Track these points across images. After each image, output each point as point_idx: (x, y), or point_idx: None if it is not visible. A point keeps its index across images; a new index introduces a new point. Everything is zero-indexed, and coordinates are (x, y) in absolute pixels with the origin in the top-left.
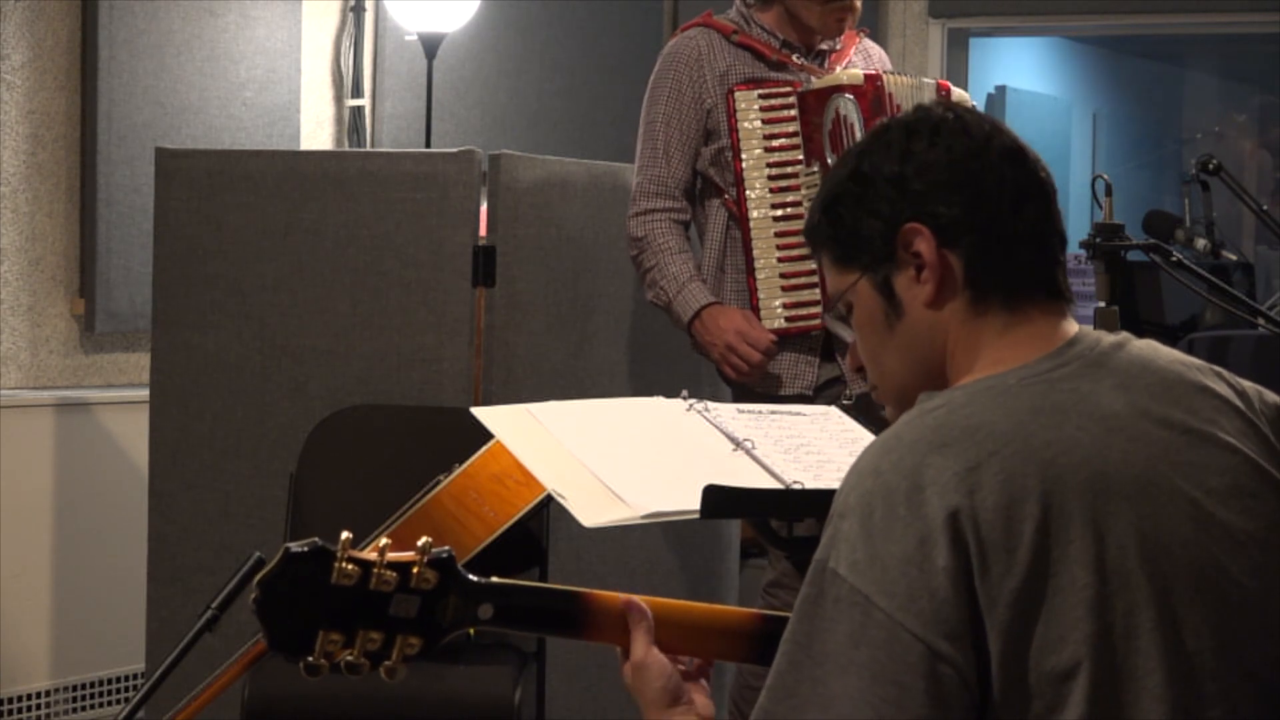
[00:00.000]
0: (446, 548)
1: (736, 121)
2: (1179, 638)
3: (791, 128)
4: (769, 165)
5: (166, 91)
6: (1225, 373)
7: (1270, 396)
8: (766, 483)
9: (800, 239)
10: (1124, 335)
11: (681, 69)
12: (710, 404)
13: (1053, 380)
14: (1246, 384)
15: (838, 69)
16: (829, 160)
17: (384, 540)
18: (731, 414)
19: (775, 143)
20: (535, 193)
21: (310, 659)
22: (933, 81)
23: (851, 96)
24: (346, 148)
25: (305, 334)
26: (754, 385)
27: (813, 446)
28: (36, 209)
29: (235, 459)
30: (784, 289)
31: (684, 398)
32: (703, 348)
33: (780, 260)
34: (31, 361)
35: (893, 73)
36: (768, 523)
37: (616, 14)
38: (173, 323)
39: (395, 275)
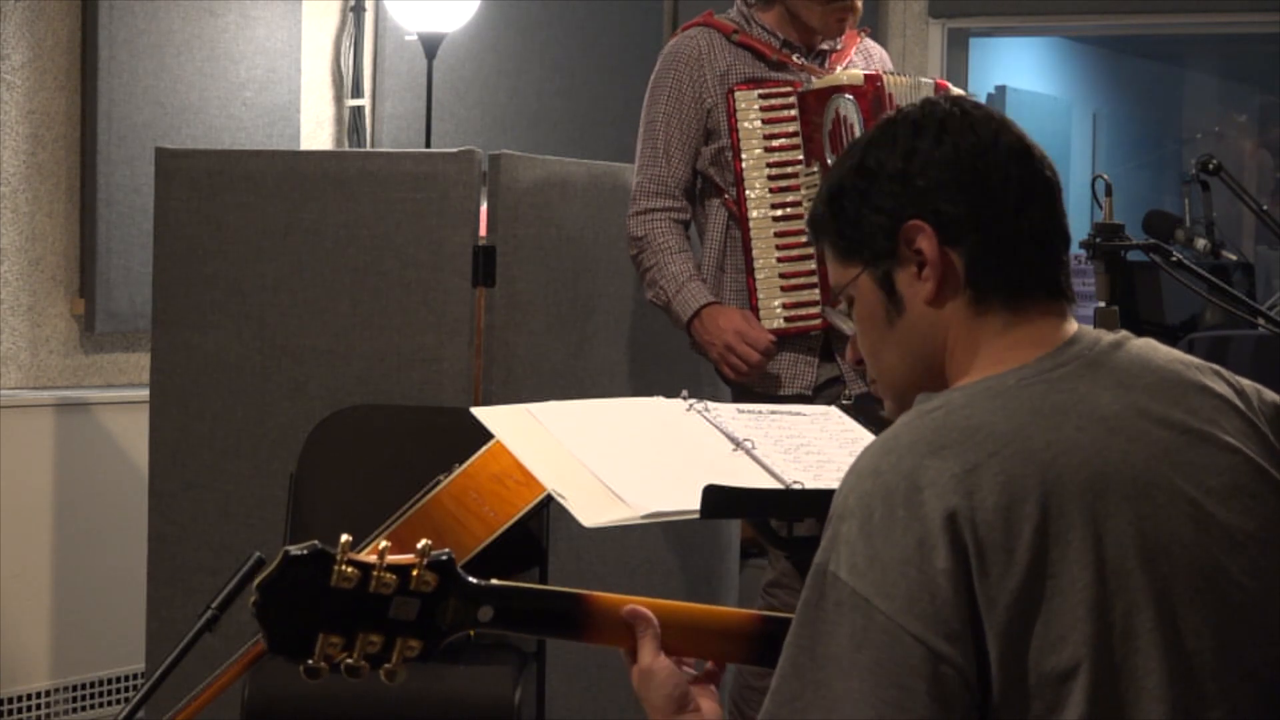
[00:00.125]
0: (446, 550)
1: (736, 121)
2: (1179, 638)
3: (791, 128)
4: (769, 165)
5: (166, 91)
6: (1224, 371)
7: (1269, 395)
8: (766, 483)
9: (800, 239)
10: (1123, 334)
11: (682, 69)
12: (710, 404)
13: (1052, 381)
14: (1246, 383)
15: (838, 69)
16: (829, 160)
17: (383, 543)
18: (731, 414)
19: (775, 143)
20: (535, 193)
21: (310, 662)
22: (931, 81)
23: (851, 97)
24: (346, 148)
25: (305, 334)
26: (753, 385)
27: (813, 446)
28: (36, 209)
29: (235, 459)
30: (783, 289)
31: (684, 398)
32: (701, 347)
33: (780, 260)
34: (31, 361)
35: (892, 73)
36: (768, 523)
37: (616, 14)
38: (173, 323)
39: (395, 275)
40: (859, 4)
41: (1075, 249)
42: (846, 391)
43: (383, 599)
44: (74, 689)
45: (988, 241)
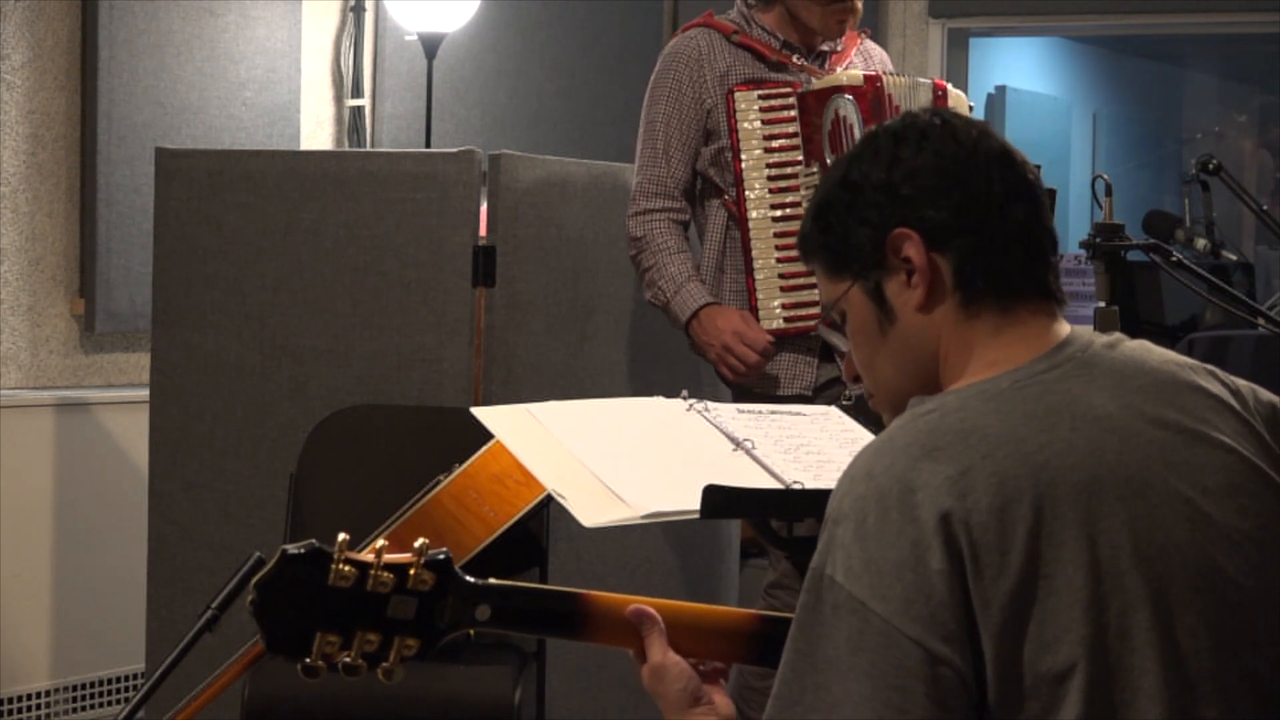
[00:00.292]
0: (444, 549)
1: (736, 122)
2: (1174, 638)
3: (791, 128)
4: (768, 166)
5: (166, 91)
6: (1219, 371)
7: (1265, 395)
8: (766, 483)
9: None
10: (1117, 336)
11: (682, 69)
12: (710, 404)
13: (1045, 382)
14: (1241, 382)
15: (838, 70)
16: (829, 161)
17: (381, 541)
18: (731, 414)
19: (775, 143)
20: (535, 193)
21: (308, 660)
22: (928, 81)
23: (851, 97)
24: (346, 148)
25: (305, 334)
26: (752, 386)
27: (813, 446)
28: (36, 209)
29: (235, 459)
30: (783, 289)
31: (684, 398)
32: (700, 348)
33: (779, 260)
34: (31, 361)
35: (892, 74)
36: (768, 523)
37: (616, 14)
38: (173, 323)
39: (395, 275)
40: (859, 5)
41: (1075, 249)
42: (847, 392)
43: (380, 598)
44: (74, 689)
45: (974, 245)
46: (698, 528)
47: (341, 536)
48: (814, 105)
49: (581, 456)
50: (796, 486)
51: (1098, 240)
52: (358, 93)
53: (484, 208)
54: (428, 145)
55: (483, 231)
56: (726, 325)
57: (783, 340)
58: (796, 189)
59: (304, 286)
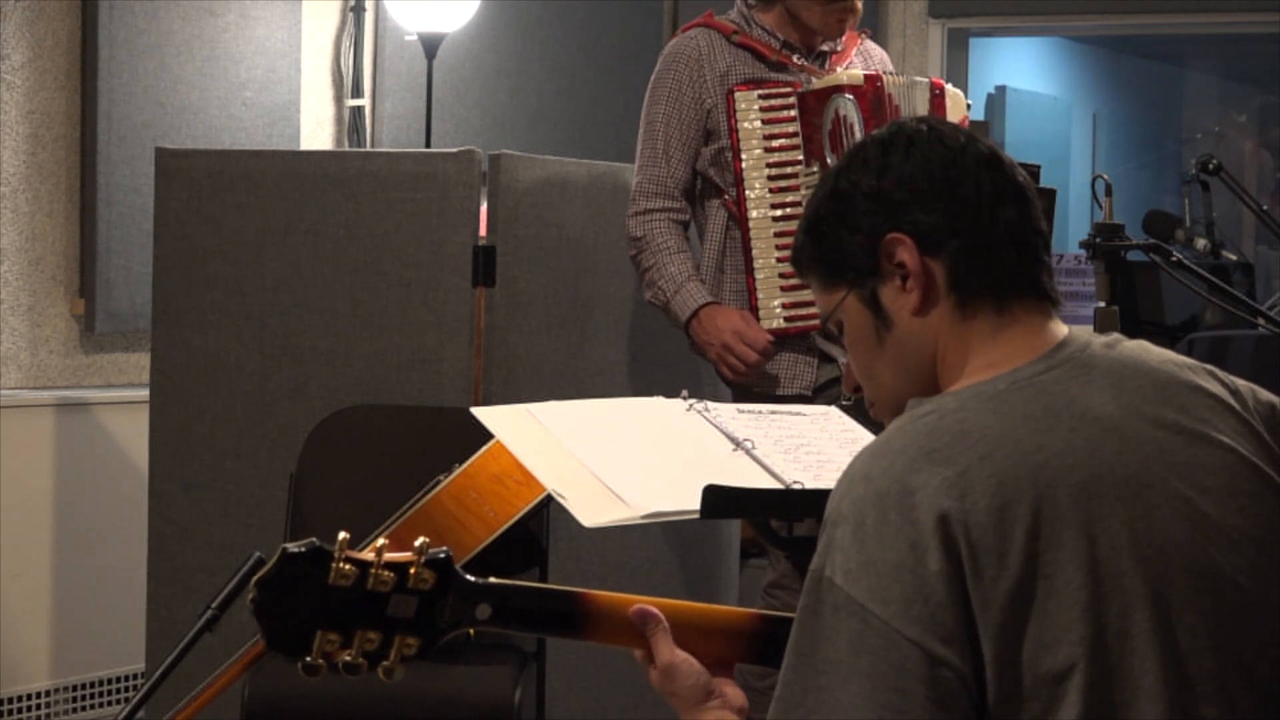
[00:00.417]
0: (444, 548)
1: (736, 122)
2: (1174, 638)
3: (791, 128)
4: (768, 165)
5: (166, 91)
6: (1218, 371)
7: (1264, 395)
8: (766, 483)
9: None
10: (1115, 336)
11: (682, 69)
12: (710, 404)
13: (1044, 383)
14: (1240, 382)
15: (838, 69)
16: (829, 160)
17: (381, 540)
18: (731, 414)
19: (775, 143)
20: (535, 193)
21: (308, 659)
22: (926, 80)
23: (851, 97)
24: (346, 148)
25: (305, 334)
26: (752, 385)
27: (813, 446)
28: (36, 209)
29: (235, 459)
30: (783, 289)
31: (684, 398)
32: (700, 347)
33: (779, 260)
34: (31, 361)
35: (891, 74)
36: (768, 523)
37: (616, 14)
38: (173, 323)
39: (395, 275)
40: (859, 5)
41: (1075, 249)
42: (846, 393)
43: (381, 596)
44: (74, 689)
45: (966, 247)
46: (698, 528)
47: (342, 535)
48: (814, 105)
49: (581, 456)
50: (796, 486)
51: (1098, 240)
52: (358, 93)
53: (484, 208)
54: (428, 145)
55: (483, 231)
56: (726, 324)
57: (782, 340)
58: (797, 189)
59: (304, 286)
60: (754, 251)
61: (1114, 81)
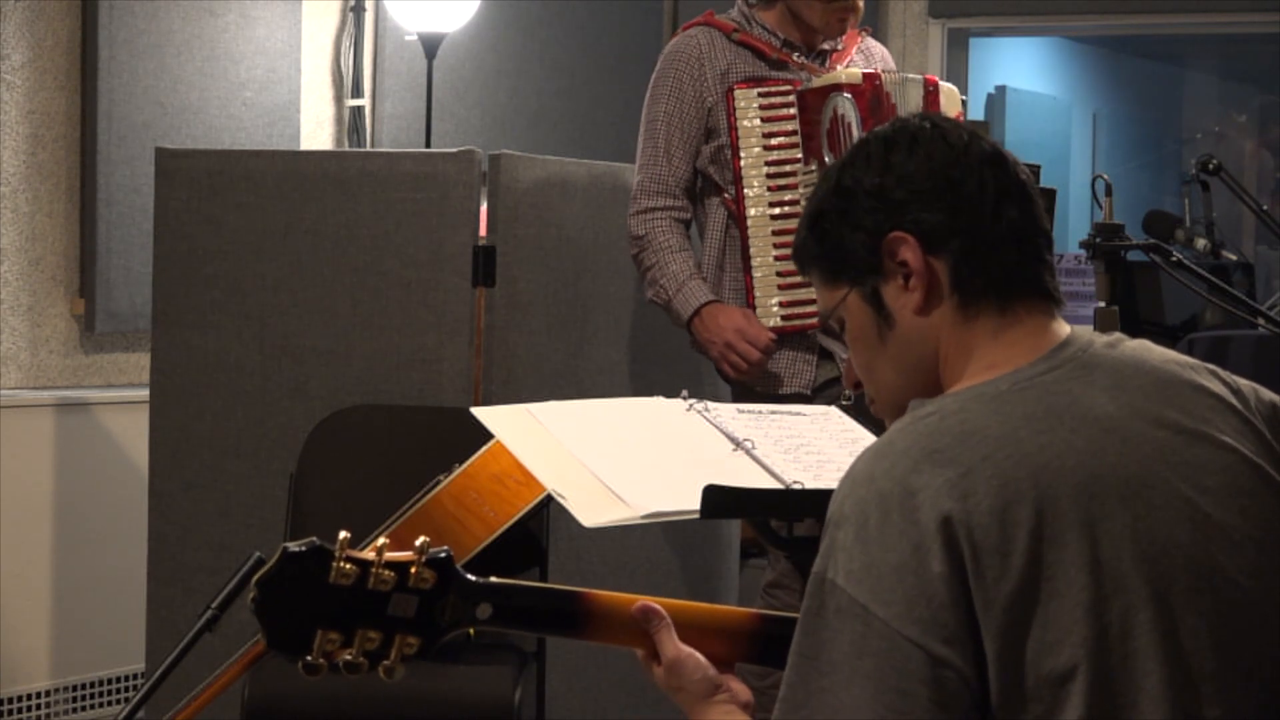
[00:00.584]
0: (445, 547)
1: (736, 120)
2: (1177, 638)
3: (790, 126)
4: (767, 164)
5: (166, 91)
6: (1220, 371)
7: (1266, 395)
8: (766, 483)
9: None
10: (1117, 336)
11: (683, 67)
12: (710, 404)
13: (1045, 384)
14: (1242, 382)
15: (838, 68)
16: (827, 159)
17: (382, 540)
18: (731, 414)
19: (774, 141)
20: (535, 193)
21: (309, 658)
22: (919, 77)
23: (850, 96)
24: (346, 148)
25: (305, 334)
26: (754, 384)
27: (813, 446)
28: (36, 209)
29: (235, 459)
30: (780, 287)
31: (684, 398)
32: (702, 345)
33: (777, 259)
34: (31, 361)
35: (890, 72)
36: (768, 523)
37: (616, 14)
38: (173, 323)
39: (395, 275)
40: (860, 3)
41: (1075, 249)
42: (846, 392)
43: (381, 596)
44: (74, 689)
45: (969, 246)
46: (698, 528)
47: (343, 535)
48: (813, 103)
49: (581, 456)
50: (796, 486)
51: (1098, 240)
52: (358, 93)
53: (484, 208)
54: (428, 145)
55: (483, 231)
56: (728, 323)
57: (781, 339)
58: (795, 187)
59: (304, 286)
60: (752, 250)
61: (1114, 81)
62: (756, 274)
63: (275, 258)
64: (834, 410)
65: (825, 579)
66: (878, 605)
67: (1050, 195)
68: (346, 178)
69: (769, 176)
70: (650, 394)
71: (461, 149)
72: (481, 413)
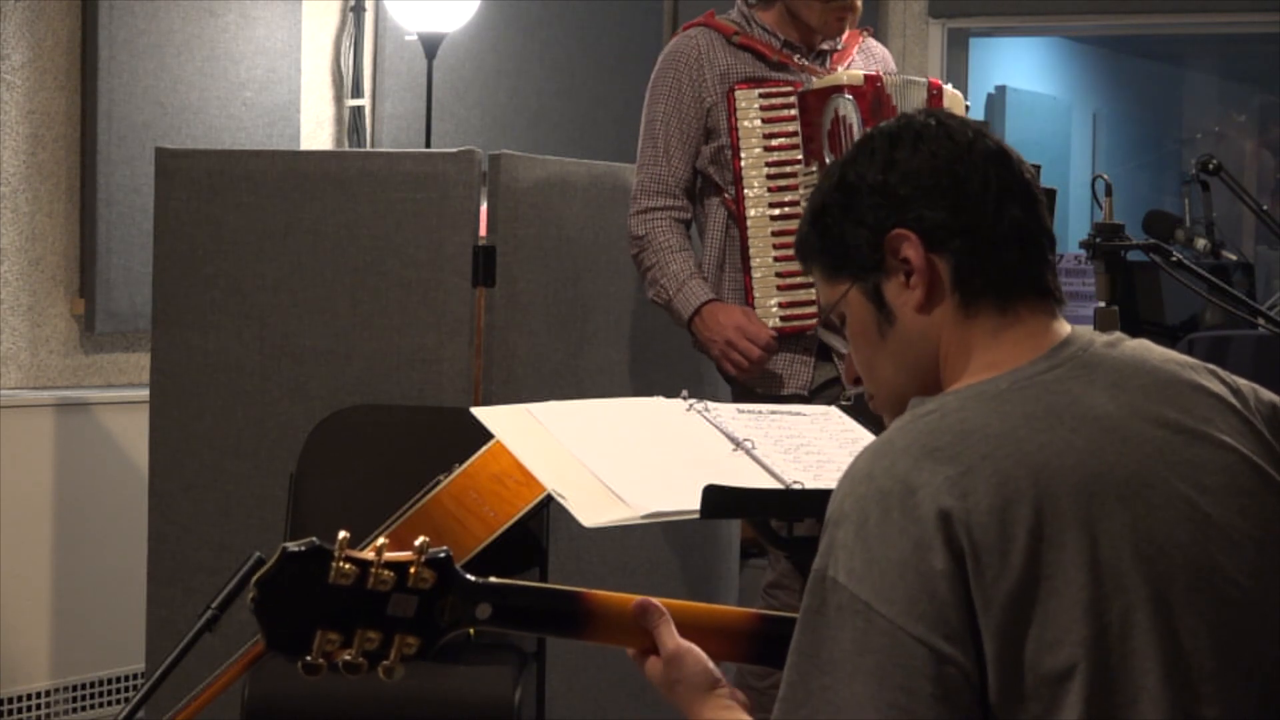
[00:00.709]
0: (444, 547)
1: (736, 120)
2: (1176, 638)
3: (791, 127)
4: (768, 164)
5: (166, 91)
6: (1220, 371)
7: (1266, 395)
8: (766, 483)
9: None
10: (1117, 335)
11: (682, 68)
12: (710, 404)
13: (1045, 383)
14: (1242, 382)
15: (839, 69)
16: (828, 160)
17: (381, 540)
18: (731, 414)
19: (774, 142)
20: (535, 193)
21: (308, 658)
22: (923, 80)
23: (851, 97)
24: (346, 148)
25: (305, 334)
26: (754, 385)
27: (813, 446)
28: (36, 209)
29: (235, 459)
30: (779, 288)
31: (684, 398)
32: (703, 344)
33: (776, 259)
34: (31, 361)
35: (891, 73)
36: (768, 523)
37: (616, 14)
38: (173, 323)
39: (395, 275)
40: (859, 3)
41: (1075, 249)
42: (846, 392)
43: (381, 596)
44: (74, 689)
45: (971, 244)
46: (698, 528)
47: (342, 534)
48: (814, 105)
49: (581, 456)
50: (796, 486)
51: (1098, 240)
52: (358, 93)
53: (484, 208)
54: (428, 145)
55: (483, 231)
56: (729, 321)
57: (780, 340)
58: (795, 188)
59: (304, 286)
60: (751, 250)
61: (1114, 81)
62: (756, 274)
63: (275, 258)
64: (834, 410)
65: (826, 577)
66: (880, 602)
67: (1050, 195)
68: (346, 178)
69: (769, 177)
70: (650, 394)
71: (461, 149)
72: (481, 413)
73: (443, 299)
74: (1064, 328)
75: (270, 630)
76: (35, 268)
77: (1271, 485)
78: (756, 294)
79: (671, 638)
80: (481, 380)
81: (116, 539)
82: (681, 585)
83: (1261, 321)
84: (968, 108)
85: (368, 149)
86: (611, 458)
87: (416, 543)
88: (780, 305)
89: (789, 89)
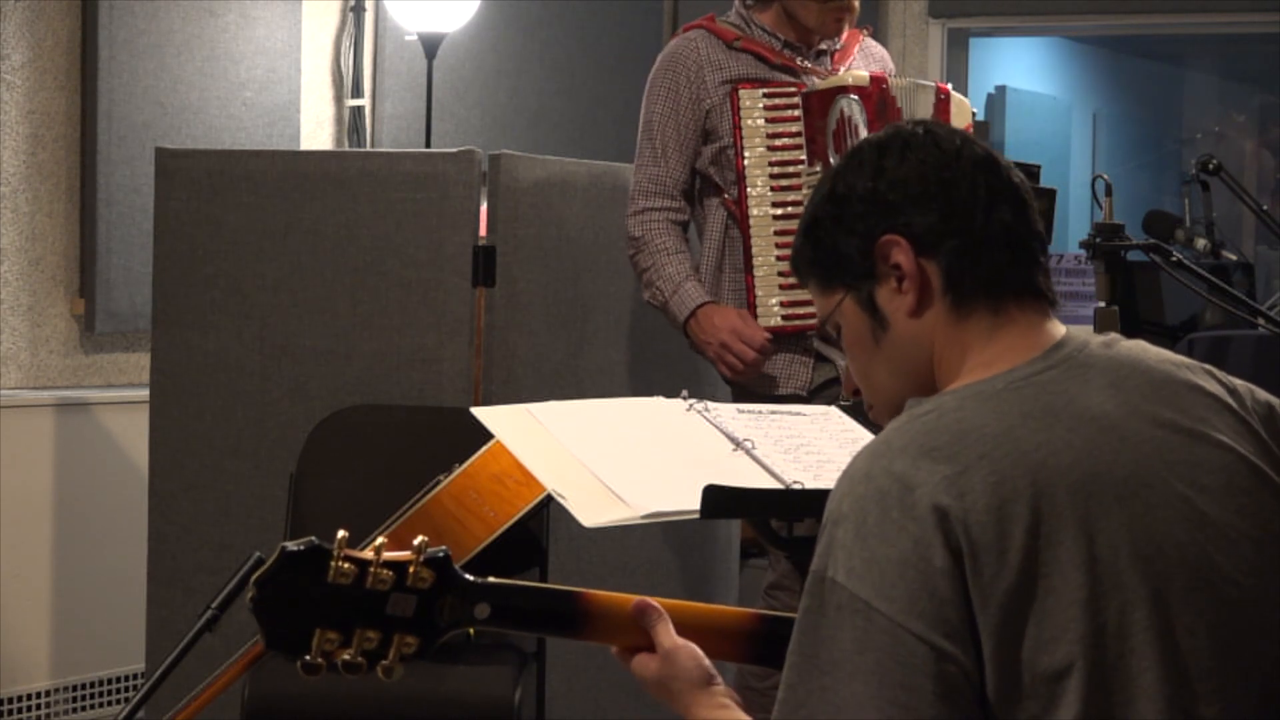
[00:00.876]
0: (443, 547)
1: (740, 119)
2: (1173, 636)
3: (795, 127)
4: (771, 164)
5: (166, 91)
6: (1216, 371)
7: (1262, 394)
8: (766, 483)
9: None
10: (1112, 335)
11: (680, 70)
12: (710, 404)
13: (1042, 383)
14: (1238, 382)
15: (841, 69)
16: (832, 161)
17: (380, 539)
18: (731, 414)
19: (778, 141)
20: (535, 193)
21: (307, 658)
22: (931, 84)
23: (856, 97)
24: (346, 148)
25: (305, 334)
26: (751, 385)
27: (813, 446)
28: (36, 209)
29: (235, 459)
30: (781, 287)
31: (684, 398)
32: (698, 346)
33: (779, 259)
34: (31, 361)
35: (895, 77)
36: (768, 523)
37: (616, 14)
38: (173, 323)
39: (395, 275)
40: (856, 3)
41: (1075, 249)
42: (846, 395)
43: (380, 595)
44: (74, 689)
45: (961, 247)
46: (698, 528)
47: (341, 534)
48: (818, 106)
49: (581, 456)
50: (796, 486)
51: (1098, 240)
52: (358, 93)
53: (484, 208)
54: (428, 145)
55: (483, 231)
56: (724, 323)
57: (779, 340)
58: (798, 188)
59: (304, 286)
60: (754, 249)
61: (1114, 81)
62: (758, 273)
63: (275, 258)
64: (834, 410)
65: (825, 577)
66: (880, 600)
67: (1050, 195)
68: (346, 178)
69: (772, 177)
70: (650, 394)
71: (461, 149)
72: (481, 413)
73: (443, 299)
74: (1058, 329)
75: (269, 630)
76: (35, 268)
77: (1268, 484)
78: (759, 293)
79: (668, 636)
80: (481, 380)
81: (116, 539)
82: (681, 585)
83: (1261, 321)
84: (974, 114)
85: (368, 149)
86: (611, 458)
87: (415, 542)
88: (782, 305)
89: (793, 89)
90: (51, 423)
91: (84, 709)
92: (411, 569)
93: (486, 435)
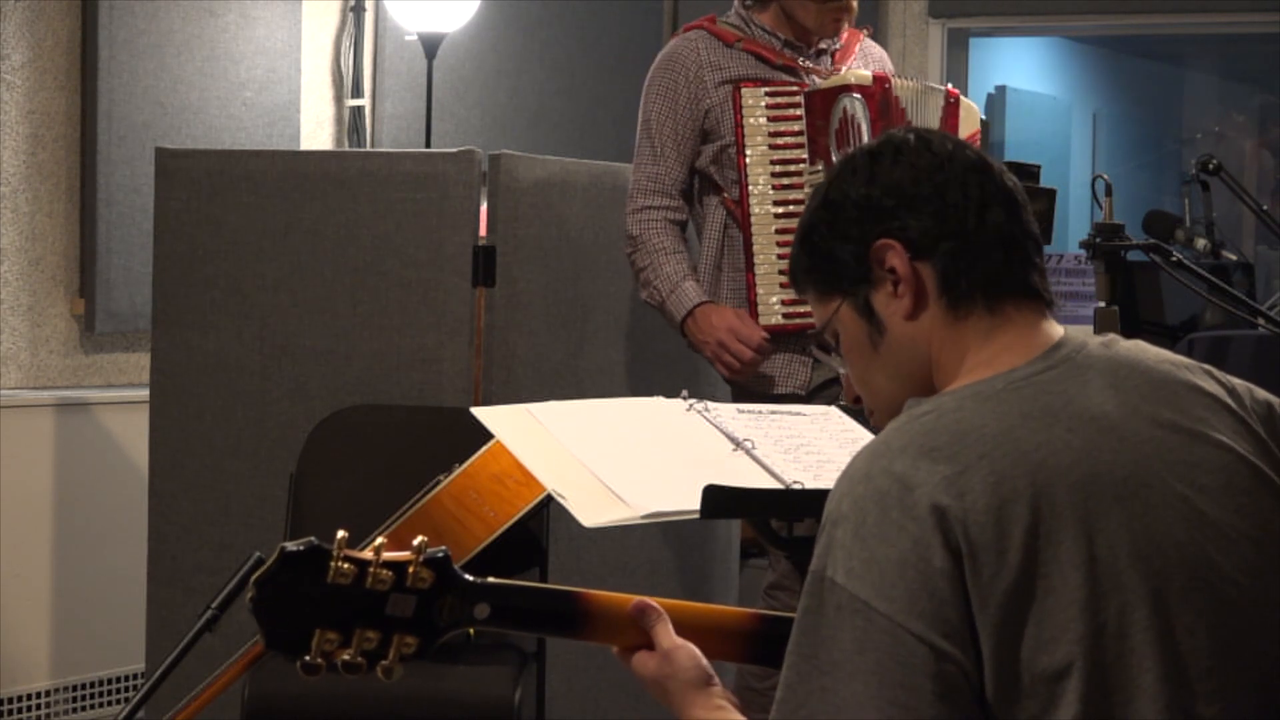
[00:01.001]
0: (442, 547)
1: (742, 117)
2: (1173, 636)
3: (797, 126)
4: (773, 162)
5: (166, 91)
6: (1215, 371)
7: (1261, 394)
8: (766, 483)
9: None
10: (1111, 336)
11: (679, 70)
12: (710, 404)
13: (1041, 383)
14: (1237, 381)
15: (842, 69)
16: (834, 159)
17: (380, 539)
18: (731, 414)
19: (780, 140)
20: (535, 193)
21: (307, 658)
22: (941, 89)
23: (860, 96)
24: (346, 148)
25: (305, 334)
26: (750, 385)
27: (813, 446)
28: (36, 209)
29: (235, 459)
30: (782, 285)
31: (684, 398)
32: (696, 346)
33: (780, 257)
34: (31, 361)
35: (903, 78)
36: (768, 523)
37: (616, 14)
38: (173, 323)
39: (395, 275)
40: (854, 3)
41: (1075, 249)
42: (847, 402)
43: (379, 595)
44: (74, 689)
45: (955, 249)
46: (698, 528)
47: (340, 534)
48: (820, 105)
49: (581, 456)
50: (796, 486)
51: (1098, 240)
52: (358, 93)
53: (484, 208)
54: (428, 145)
55: (483, 231)
56: (721, 322)
57: (778, 340)
58: (800, 186)
59: (304, 286)
60: (755, 247)
61: (1114, 81)
62: (759, 271)
63: (275, 258)
64: (834, 410)
65: (824, 577)
66: (880, 600)
67: (1050, 195)
68: (346, 178)
69: (774, 175)
70: (650, 394)
71: (461, 149)
72: (481, 413)
73: (443, 299)
74: (1056, 329)
75: (269, 630)
76: (35, 268)
77: (1268, 484)
78: (760, 290)
79: (668, 635)
80: (481, 380)
81: (116, 539)
82: (681, 585)
83: (1261, 321)
84: (983, 119)
85: (368, 149)
86: (611, 458)
87: (415, 542)
88: (783, 303)
89: (795, 88)
90: (51, 423)
91: (84, 709)
92: (411, 569)
93: (486, 435)
